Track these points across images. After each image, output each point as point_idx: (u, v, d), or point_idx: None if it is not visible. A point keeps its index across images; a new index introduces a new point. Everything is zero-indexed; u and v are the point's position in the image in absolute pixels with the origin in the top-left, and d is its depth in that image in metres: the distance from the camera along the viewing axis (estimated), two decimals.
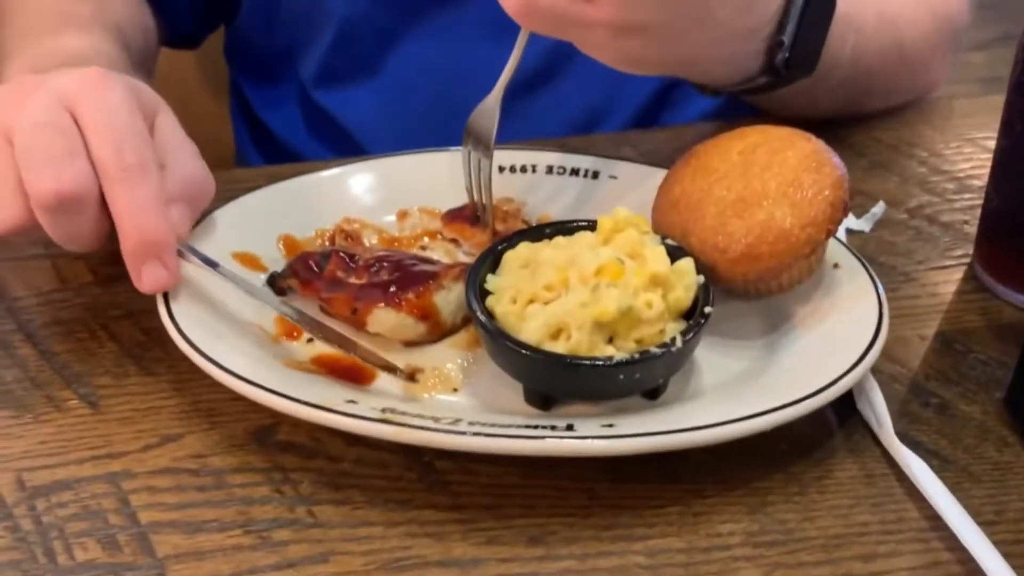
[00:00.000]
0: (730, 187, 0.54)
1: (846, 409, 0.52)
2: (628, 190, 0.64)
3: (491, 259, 0.53)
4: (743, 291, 0.55)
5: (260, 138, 0.92)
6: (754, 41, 0.63)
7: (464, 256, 0.61)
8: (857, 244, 0.64)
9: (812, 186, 0.53)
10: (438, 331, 0.55)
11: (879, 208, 0.69)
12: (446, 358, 0.54)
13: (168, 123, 0.57)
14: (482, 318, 0.50)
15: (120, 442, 0.51)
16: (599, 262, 0.49)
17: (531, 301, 0.49)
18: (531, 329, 0.48)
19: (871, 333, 0.51)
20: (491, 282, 0.52)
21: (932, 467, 0.48)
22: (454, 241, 0.63)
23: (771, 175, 0.53)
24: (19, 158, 0.51)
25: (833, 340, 0.52)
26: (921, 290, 0.63)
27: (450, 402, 0.51)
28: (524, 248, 0.53)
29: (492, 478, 0.48)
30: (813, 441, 0.51)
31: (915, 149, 0.78)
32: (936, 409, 0.53)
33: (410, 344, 0.55)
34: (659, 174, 0.61)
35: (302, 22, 0.84)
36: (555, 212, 0.64)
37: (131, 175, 0.51)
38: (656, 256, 0.50)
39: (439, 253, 0.62)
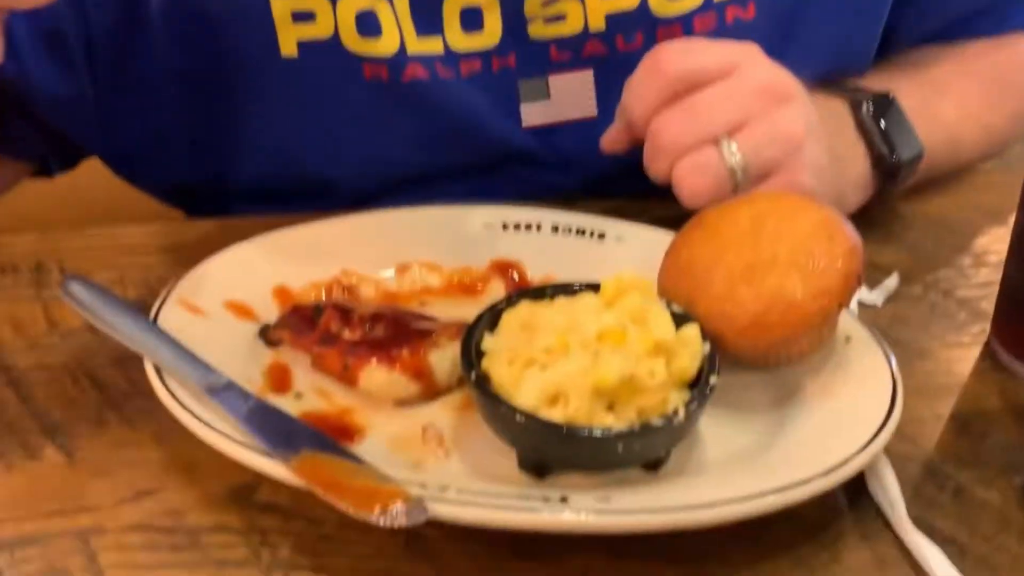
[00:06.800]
0: (739, 254, 0.52)
1: (857, 490, 0.49)
2: (634, 253, 0.62)
3: (489, 319, 0.51)
4: (750, 361, 0.53)
5: None
6: (862, 186, 0.68)
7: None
8: (869, 318, 0.62)
9: (824, 255, 0.51)
10: (432, 391, 0.53)
11: (893, 281, 0.67)
12: (439, 418, 0.52)
13: None
14: (476, 381, 0.47)
15: (93, 495, 0.49)
16: (601, 327, 0.47)
17: (528, 364, 0.47)
18: (527, 394, 0.46)
19: (884, 411, 0.49)
20: (488, 343, 0.50)
21: (949, 556, 0.45)
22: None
23: (782, 243, 0.51)
24: None
25: (844, 417, 0.50)
26: (936, 367, 0.60)
27: (440, 467, 0.49)
28: (524, 309, 0.51)
29: (482, 548, 0.46)
30: (822, 523, 0.48)
31: (930, 221, 0.76)
32: (952, 493, 0.50)
33: (402, 403, 0.53)
34: (667, 237, 0.59)
35: None
36: (559, 273, 0.62)
37: None
38: (661, 322, 0.48)
39: (438, 311, 0.60)
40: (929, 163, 0.72)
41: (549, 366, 0.47)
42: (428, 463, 0.49)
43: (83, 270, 0.66)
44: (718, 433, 0.50)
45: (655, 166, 0.61)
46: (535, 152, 0.73)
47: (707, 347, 0.49)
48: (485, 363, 0.49)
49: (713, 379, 0.48)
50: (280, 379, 0.54)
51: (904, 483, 0.50)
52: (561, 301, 0.51)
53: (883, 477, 0.49)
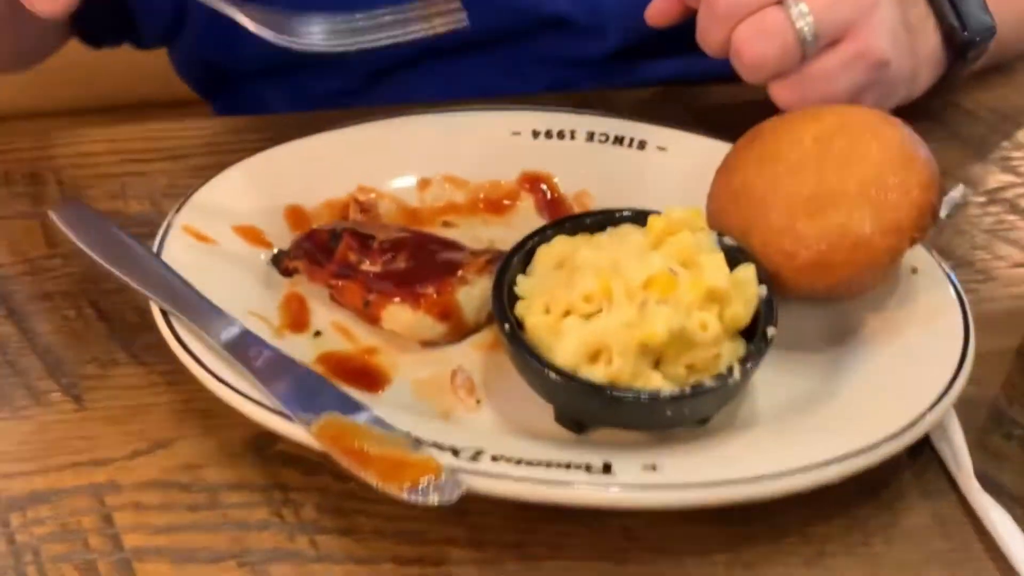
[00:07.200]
0: (803, 181, 0.47)
1: (918, 442, 0.46)
2: (678, 164, 0.57)
3: (522, 256, 0.47)
4: (806, 297, 0.49)
5: None
6: (934, 63, 0.62)
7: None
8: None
9: (898, 187, 0.45)
10: (460, 331, 0.49)
11: (958, 192, 0.61)
12: (468, 361, 0.49)
13: None
14: (509, 333, 0.43)
15: (105, 446, 0.46)
16: (648, 273, 0.43)
17: (567, 313, 0.43)
18: (566, 348, 0.42)
19: (955, 359, 0.45)
20: (522, 284, 0.46)
21: (1016, 518, 0.42)
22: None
23: (850, 170, 0.46)
24: None
25: (910, 364, 0.46)
26: (1002, 292, 0.56)
27: (472, 420, 0.46)
28: (560, 244, 0.47)
29: (518, 510, 0.43)
30: (879, 480, 0.45)
31: (995, 117, 0.70)
32: (1021, 443, 0.47)
33: (428, 344, 0.49)
34: (713, 146, 0.54)
35: None
36: (594, 187, 0.57)
37: None
38: (714, 265, 0.44)
39: (464, 232, 0.55)
40: (1000, 41, 0.65)
41: (590, 316, 0.43)
42: (457, 413, 0.46)
43: (81, 181, 0.61)
44: (771, 378, 0.46)
45: (711, 36, 0.54)
46: (568, 13, 0.68)
47: (763, 291, 0.45)
48: (519, 308, 0.45)
49: (771, 331, 0.43)
50: (297, 315, 0.51)
51: (966, 431, 0.46)
52: (601, 237, 0.47)
53: (949, 432, 0.45)
